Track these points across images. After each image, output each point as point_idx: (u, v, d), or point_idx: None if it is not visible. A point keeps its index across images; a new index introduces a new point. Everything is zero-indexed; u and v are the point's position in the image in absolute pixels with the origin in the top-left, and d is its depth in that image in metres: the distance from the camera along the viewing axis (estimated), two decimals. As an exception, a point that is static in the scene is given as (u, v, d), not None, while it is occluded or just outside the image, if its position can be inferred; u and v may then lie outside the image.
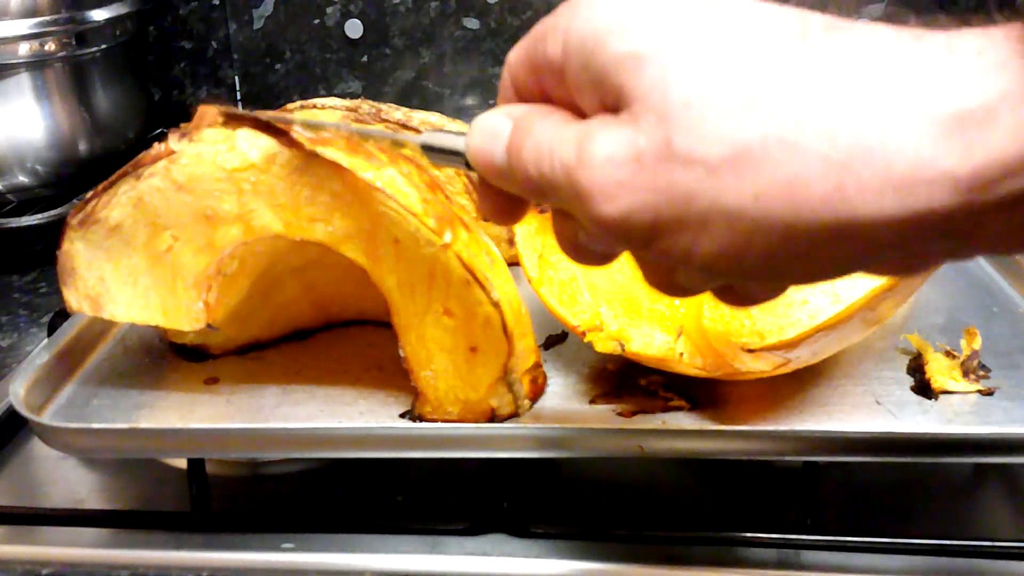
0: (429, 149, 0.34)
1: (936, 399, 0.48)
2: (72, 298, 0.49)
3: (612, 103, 0.28)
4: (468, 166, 0.32)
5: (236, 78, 1.01)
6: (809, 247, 0.26)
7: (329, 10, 0.97)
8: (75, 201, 0.82)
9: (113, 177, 0.48)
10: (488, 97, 0.98)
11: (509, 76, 0.32)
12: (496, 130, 0.31)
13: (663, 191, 0.26)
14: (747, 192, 0.25)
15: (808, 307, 0.43)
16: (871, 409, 0.47)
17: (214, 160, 0.45)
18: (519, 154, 0.30)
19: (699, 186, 0.26)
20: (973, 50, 0.24)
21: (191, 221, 0.47)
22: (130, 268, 0.48)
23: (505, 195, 0.32)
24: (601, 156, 0.27)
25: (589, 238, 0.31)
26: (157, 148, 0.47)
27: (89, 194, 0.48)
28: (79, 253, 0.48)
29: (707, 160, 0.25)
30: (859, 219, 0.25)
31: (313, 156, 0.44)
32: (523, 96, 0.32)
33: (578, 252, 0.32)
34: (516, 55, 0.32)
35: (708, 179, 0.26)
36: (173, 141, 0.46)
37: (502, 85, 0.33)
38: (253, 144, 0.45)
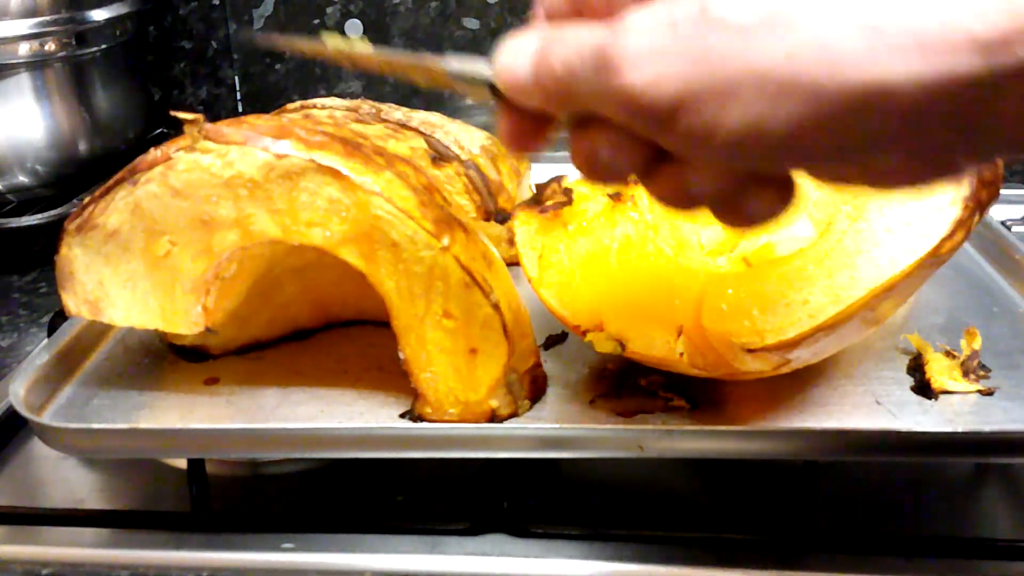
0: (456, 76, 0.34)
1: (936, 399, 0.48)
2: (71, 302, 0.49)
3: None
4: (494, 92, 0.32)
5: (236, 78, 1.01)
6: (835, 113, 0.26)
7: (329, 10, 0.97)
8: (75, 201, 0.82)
9: (110, 183, 0.48)
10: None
11: (542, 7, 0.33)
12: (525, 44, 0.31)
13: (695, 56, 0.27)
14: (779, 52, 0.26)
15: (808, 307, 0.43)
16: (871, 409, 0.47)
17: (210, 167, 0.45)
18: (547, 58, 0.30)
19: (732, 49, 0.26)
20: None
21: (188, 226, 0.47)
22: (128, 273, 0.48)
23: (528, 116, 0.32)
24: (635, 27, 0.28)
25: (608, 140, 0.31)
26: (153, 154, 0.47)
27: (86, 199, 0.48)
28: (77, 258, 0.48)
29: (742, 23, 0.26)
30: (887, 82, 0.25)
31: (309, 162, 0.44)
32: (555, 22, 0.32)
33: (594, 165, 0.32)
34: None
35: (741, 41, 0.26)
36: (170, 148, 0.46)
37: (534, 18, 0.33)
38: (248, 159, 0.45)
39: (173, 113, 0.46)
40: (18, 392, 0.48)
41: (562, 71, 0.30)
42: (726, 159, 0.29)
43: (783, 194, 0.30)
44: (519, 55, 0.31)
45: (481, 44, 0.97)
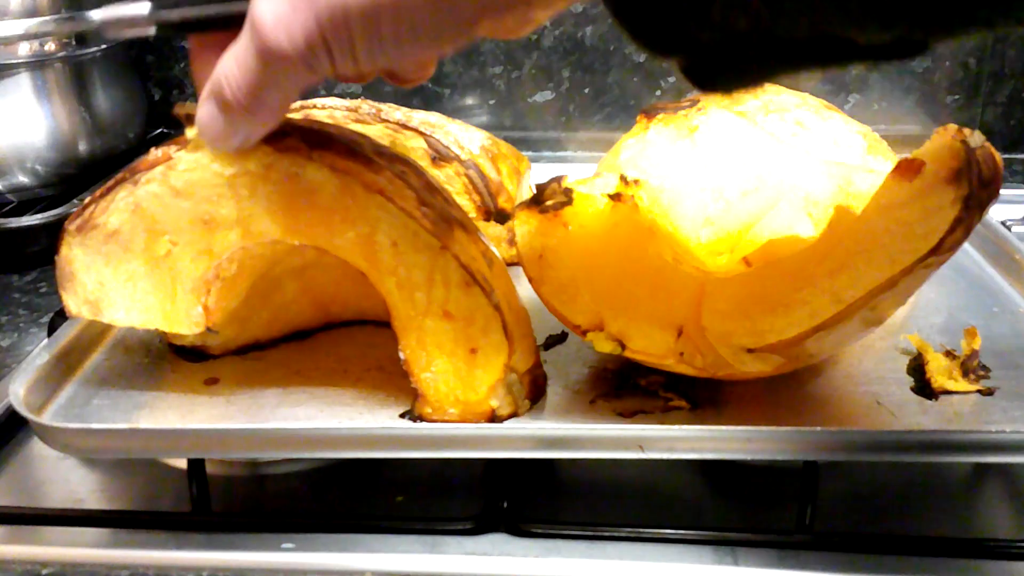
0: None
1: (936, 399, 0.48)
2: (71, 303, 0.49)
3: None
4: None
5: (236, 78, 1.01)
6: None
7: (329, 10, 0.97)
8: (75, 201, 0.82)
9: (110, 183, 0.48)
10: (488, 97, 0.98)
11: (195, 69, 0.43)
12: (205, 113, 0.41)
13: (312, 4, 0.35)
14: None
15: (808, 307, 0.43)
16: (871, 409, 0.47)
17: (211, 166, 0.45)
18: (231, 99, 0.39)
19: None
20: None
21: (189, 226, 0.47)
22: (129, 273, 0.48)
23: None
24: (259, 9, 0.36)
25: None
26: (154, 154, 0.47)
27: (86, 199, 0.48)
28: (77, 258, 0.48)
29: None
30: None
31: (310, 160, 0.44)
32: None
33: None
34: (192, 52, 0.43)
35: None
36: (171, 148, 0.46)
37: (196, 77, 0.43)
38: (248, 159, 0.45)
39: (175, 110, 0.46)
40: (18, 392, 0.48)
41: (250, 90, 0.38)
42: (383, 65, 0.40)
43: (427, 66, 0.45)
44: (211, 123, 0.41)
45: (481, 44, 0.97)
